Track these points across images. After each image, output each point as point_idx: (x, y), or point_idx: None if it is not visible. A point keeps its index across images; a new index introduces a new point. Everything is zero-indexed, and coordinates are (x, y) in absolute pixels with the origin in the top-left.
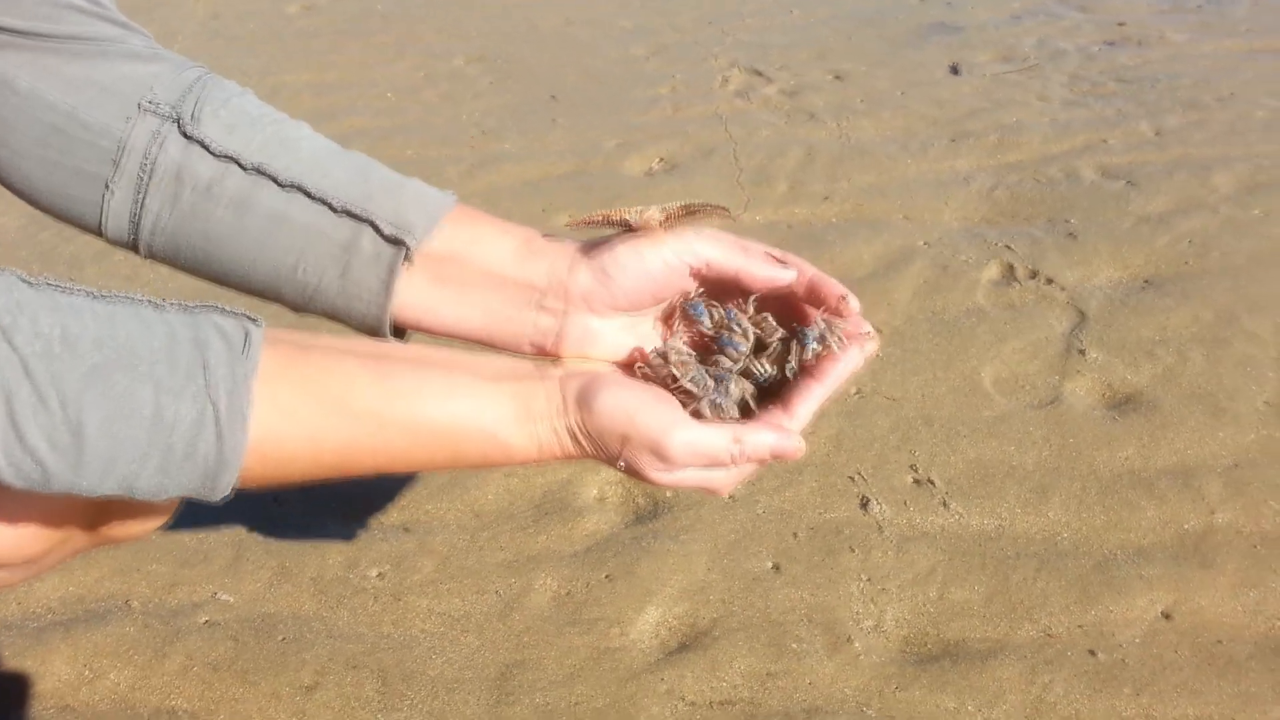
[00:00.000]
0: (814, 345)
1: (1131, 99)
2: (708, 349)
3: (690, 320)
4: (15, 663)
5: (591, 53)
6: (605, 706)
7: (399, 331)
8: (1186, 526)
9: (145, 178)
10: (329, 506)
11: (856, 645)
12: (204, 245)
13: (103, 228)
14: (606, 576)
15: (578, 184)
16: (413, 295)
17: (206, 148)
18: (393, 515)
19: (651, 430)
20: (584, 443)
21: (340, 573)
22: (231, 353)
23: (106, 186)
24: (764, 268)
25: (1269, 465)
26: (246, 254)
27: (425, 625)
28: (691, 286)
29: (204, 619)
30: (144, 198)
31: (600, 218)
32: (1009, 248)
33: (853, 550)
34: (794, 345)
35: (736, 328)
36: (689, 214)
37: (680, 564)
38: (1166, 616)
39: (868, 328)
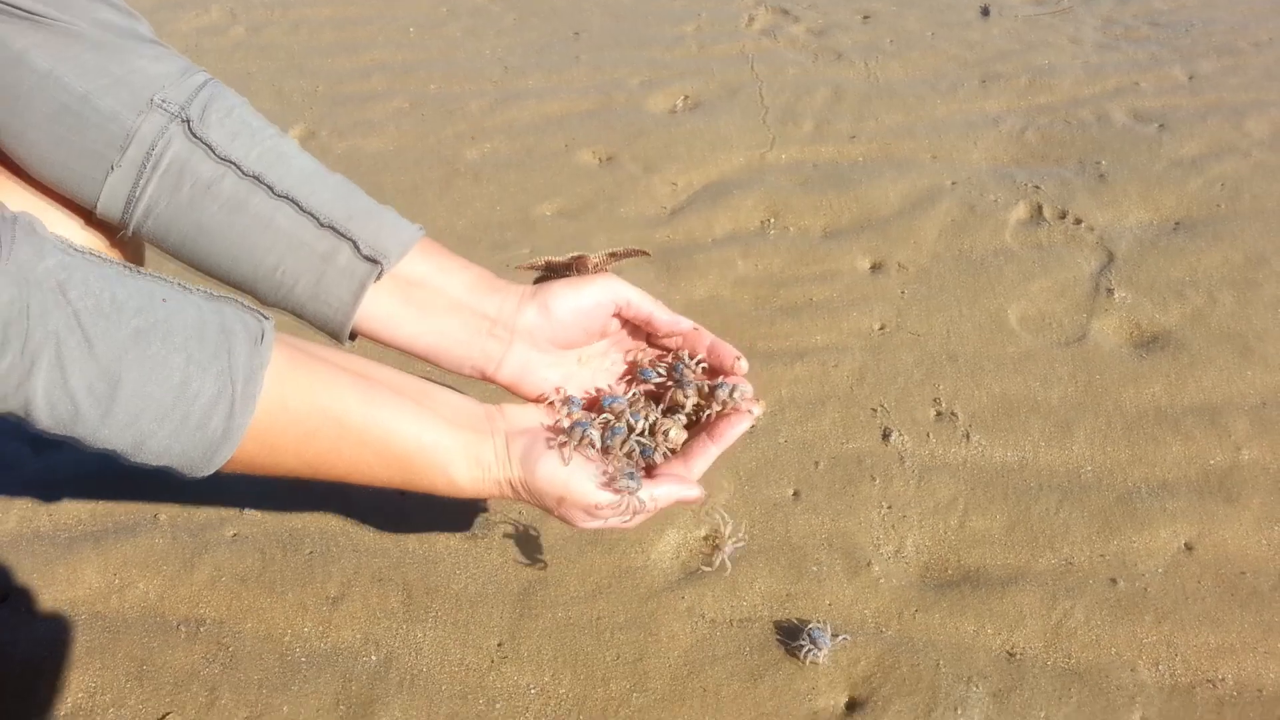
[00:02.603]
0: (717, 406)
1: (1165, 44)
2: (658, 399)
3: (641, 380)
4: (47, 571)
5: None
6: (626, 621)
7: (352, 336)
8: (1212, 462)
9: (148, 167)
10: None
11: (876, 570)
12: (195, 235)
13: (96, 202)
14: None
15: (601, 120)
16: (378, 309)
17: (211, 150)
18: None
19: (584, 495)
20: (522, 493)
21: (366, 491)
22: (251, 343)
23: (111, 168)
24: (669, 315)
25: None
26: (232, 249)
27: (449, 543)
28: (613, 325)
29: (231, 533)
30: (145, 184)
31: (543, 263)
32: (1038, 188)
33: (873, 479)
34: (709, 400)
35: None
36: (615, 259)
37: None
38: (1189, 548)
39: (750, 391)
